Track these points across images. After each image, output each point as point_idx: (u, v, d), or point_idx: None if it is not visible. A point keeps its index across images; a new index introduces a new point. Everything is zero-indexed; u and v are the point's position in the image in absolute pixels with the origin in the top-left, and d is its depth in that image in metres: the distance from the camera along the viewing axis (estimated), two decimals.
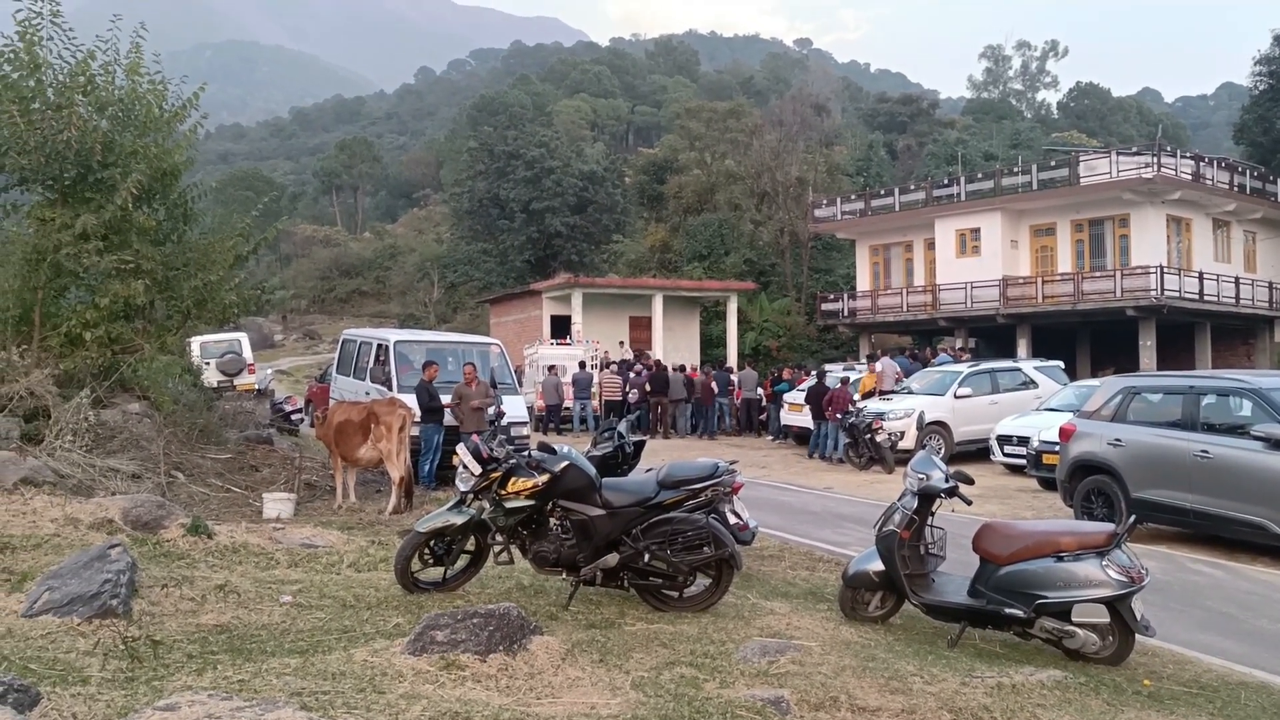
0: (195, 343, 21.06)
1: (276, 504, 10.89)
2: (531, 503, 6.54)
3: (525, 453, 6.88)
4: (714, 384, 25.51)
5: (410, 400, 13.44)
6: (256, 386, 25.22)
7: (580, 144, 70.17)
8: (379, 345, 15.98)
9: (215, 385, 21.67)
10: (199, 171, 20.35)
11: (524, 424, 15.64)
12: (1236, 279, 30.49)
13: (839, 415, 18.80)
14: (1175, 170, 28.99)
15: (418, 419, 13.23)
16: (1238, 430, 10.08)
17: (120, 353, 12.88)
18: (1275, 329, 32.44)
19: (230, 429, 16.30)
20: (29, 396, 11.19)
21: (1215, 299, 29.13)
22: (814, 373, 22.41)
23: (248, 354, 25.69)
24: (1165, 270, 27.57)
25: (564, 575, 6.72)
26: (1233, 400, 10.55)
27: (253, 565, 7.41)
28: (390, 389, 14.56)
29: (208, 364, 22.85)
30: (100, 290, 12.56)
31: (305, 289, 68.75)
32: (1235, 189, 31.14)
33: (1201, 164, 30.62)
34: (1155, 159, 28.61)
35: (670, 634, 5.90)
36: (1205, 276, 28.93)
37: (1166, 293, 27.23)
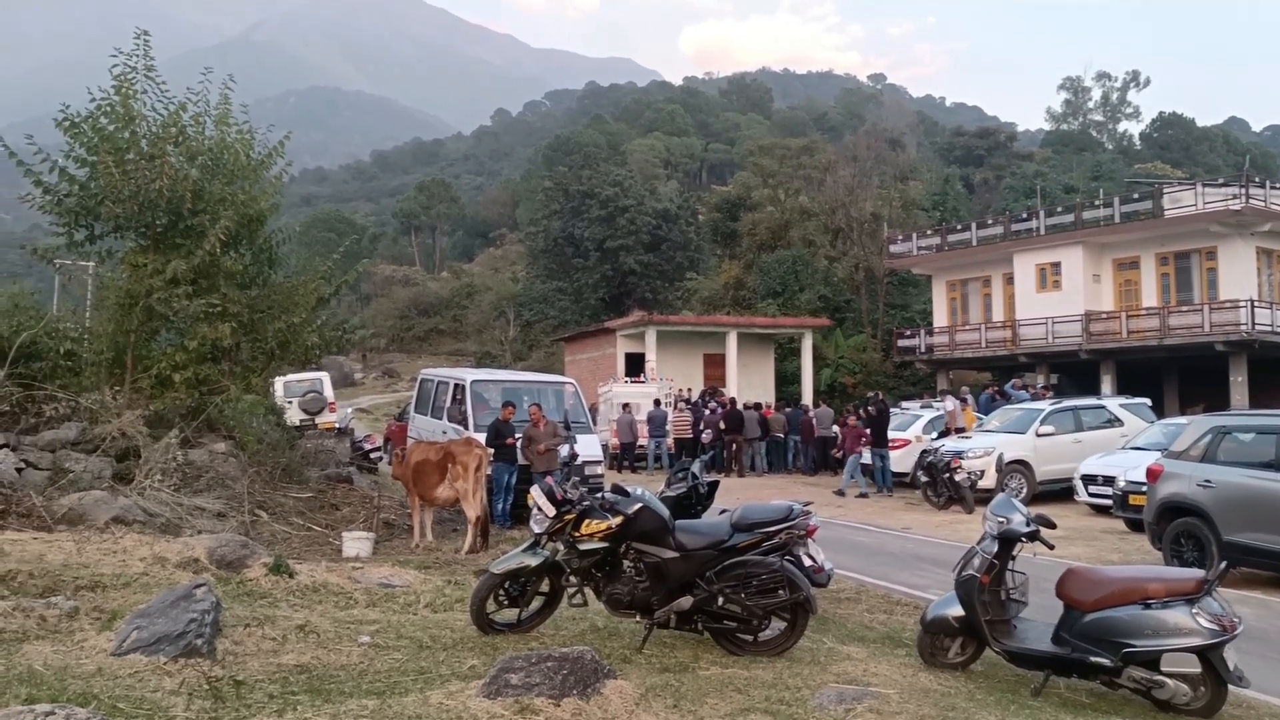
0: (279, 382, 21.56)
1: (355, 543, 11.05)
2: (605, 545, 6.56)
3: (599, 494, 6.91)
4: (814, 421, 25.46)
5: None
6: (337, 425, 25.68)
7: (654, 182, 70.64)
8: (455, 385, 16.20)
9: (298, 424, 22.12)
10: (283, 215, 20.96)
11: (599, 463, 15.67)
12: None
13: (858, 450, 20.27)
14: (1265, 201, 28.15)
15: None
16: None
17: (207, 393, 13.27)
18: None
19: (311, 467, 16.61)
20: (120, 437, 11.57)
21: None
22: (871, 404, 22.04)
23: (329, 393, 26.21)
24: (1256, 304, 26.75)
25: (638, 618, 6.71)
26: None
27: (332, 605, 7.52)
28: (466, 428, 14.73)
29: (290, 403, 23.33)
30: (189, 333, 12.98)
31: (385, 328, 70.10)
32: None
33: None
34: (1244, 190, 27.82)
35: (745, 679, 5.84)
36: None
37: (1258, 327, 26.39)
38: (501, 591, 6.86)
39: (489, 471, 12.99)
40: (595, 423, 20.17)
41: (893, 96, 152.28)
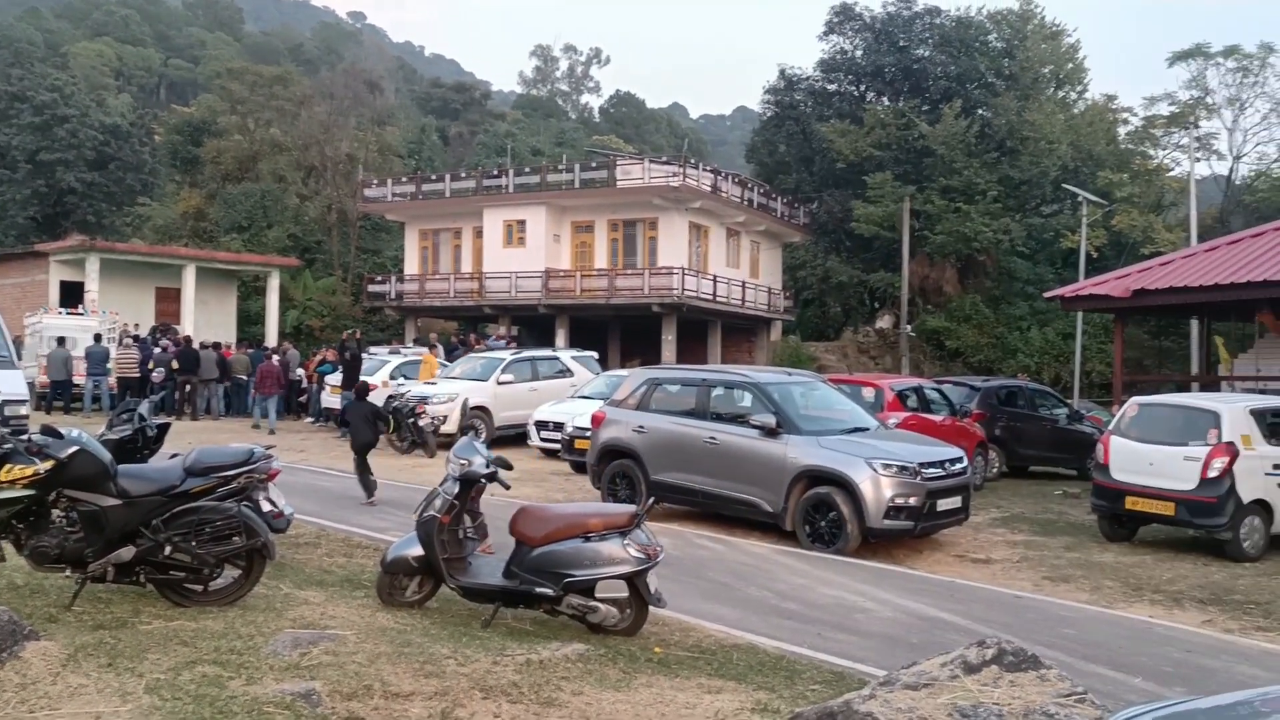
0: None
1: None
2: (31, 492, 5.82)
3: (24, 436, 6.11)
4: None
5: None
6: None
7: (102, 93, 63.20)
8: None
9: None
10: None
11: (23, 403, 13.85)
12: (744, 283, 34.40)
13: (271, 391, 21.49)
14: (698, 181, 32.00)
15: None
16: (739, 419, 11.38)
17: None
18: (772, 328, 36.98)
19: None
20: None
21: (726, 300, 32.61)
22: (345, 348, 22.19)
23: None
24: (686, 272, 30.39)
25: (68, 572, 6.06)
26: (737, 392, 11.93)
27: None
28: None
29: None
30: None
31: None
32: (745, 203, 35.01)
33: (719, 178, 34.08)
34: (682, 170, 31.41)
35: (192, 631, 5.54)
36: (719, 279, 32.28)
37: (686, 292, 30.03)
38: None
39: None
40: (20, 357, 17.79)
41: (372, 38, 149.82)
